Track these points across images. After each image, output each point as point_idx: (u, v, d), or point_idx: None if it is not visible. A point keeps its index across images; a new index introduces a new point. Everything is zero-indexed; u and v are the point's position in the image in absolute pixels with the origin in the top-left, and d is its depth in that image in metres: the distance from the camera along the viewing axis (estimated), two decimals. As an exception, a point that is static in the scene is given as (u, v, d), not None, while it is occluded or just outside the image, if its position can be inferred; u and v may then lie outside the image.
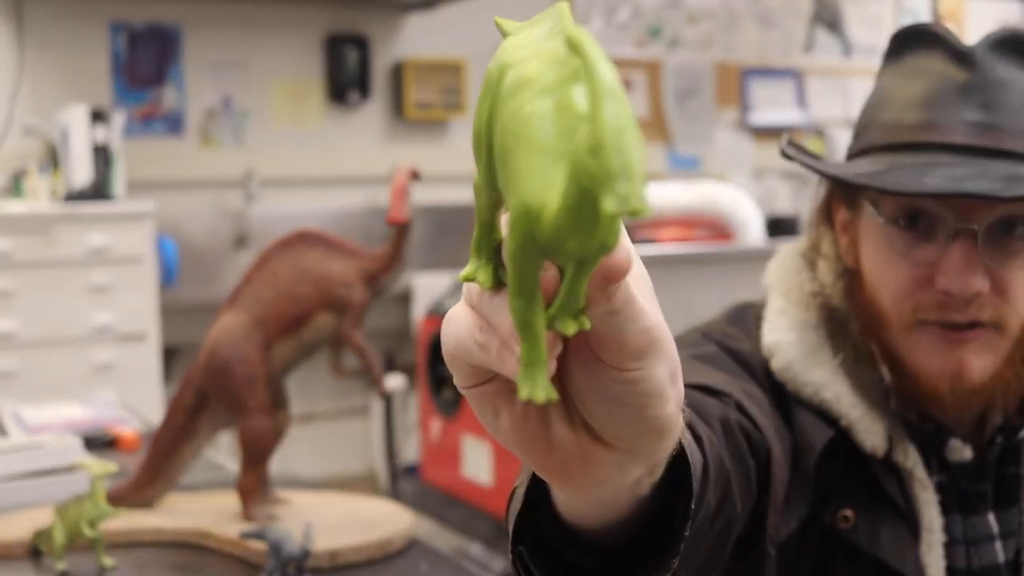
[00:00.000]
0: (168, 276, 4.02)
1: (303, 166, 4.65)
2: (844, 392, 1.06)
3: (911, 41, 1.08)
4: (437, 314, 3.48)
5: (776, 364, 1.07)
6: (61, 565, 1.17)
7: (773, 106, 5.67)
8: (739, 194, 3.70)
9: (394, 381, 3.77)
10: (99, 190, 3.82)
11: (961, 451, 1.08)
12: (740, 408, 0.96)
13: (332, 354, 1.35)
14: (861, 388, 1.06)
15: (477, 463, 3.22)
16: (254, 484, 1.28)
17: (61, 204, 3.77)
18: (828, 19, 5.88)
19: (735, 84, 5.61)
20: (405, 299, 4.21)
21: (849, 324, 1.09)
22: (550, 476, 0.55)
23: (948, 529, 1.06)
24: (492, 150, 0.46)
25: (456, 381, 0.53)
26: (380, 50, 4.78)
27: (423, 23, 4.83)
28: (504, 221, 0.47)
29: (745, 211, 3.67)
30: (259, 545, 1.17)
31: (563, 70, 0.42)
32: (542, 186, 0.41)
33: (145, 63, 4.39)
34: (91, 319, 3.69)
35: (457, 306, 0.52)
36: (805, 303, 1.11)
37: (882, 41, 5.14)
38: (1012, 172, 0.98)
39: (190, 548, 1.26)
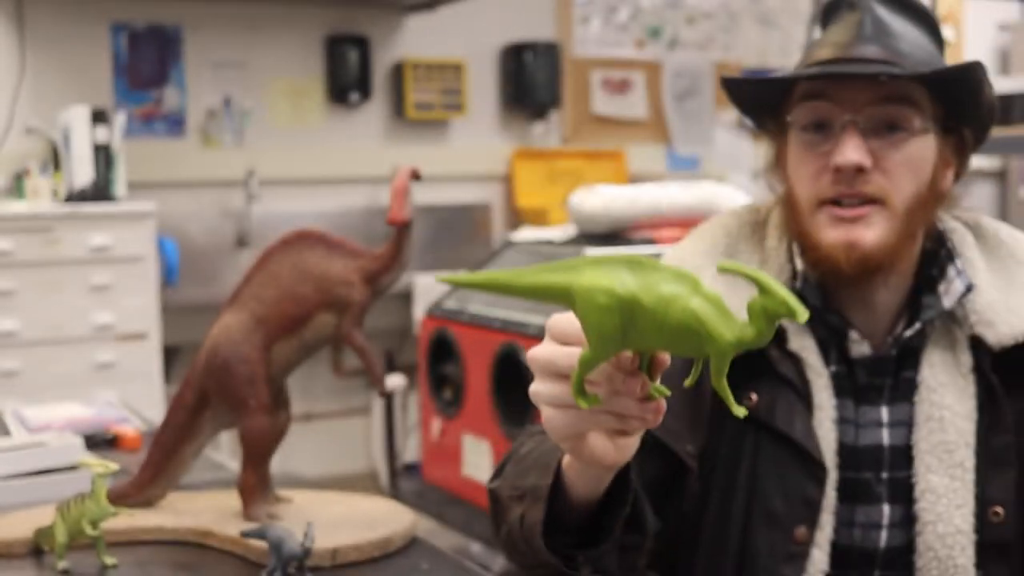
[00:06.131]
0: (169, 276, 4.02)
1: (304, 166, 4.65)
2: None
3: (831, 10, 1.30)
4: (437, 314, 3.48)
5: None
6: (62, 564, 1.17)
7: (773, 106, 5.65)
8: (738, 195, 3.70)
9: (395, 380, 3.76)
10: (100, 190, 3.82)
11: (860, 345, 1.24)
12: None
13: (333, 354, 1.35)
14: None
15: (477, 462, 3.22)
16: (255, 483, 1.28)
17: (62, 204, 3.77)
18: (828, 19, 5.88)
19: (735, 84, 5.60)
20: (406, 299, 4.21)
21: (766, 226, 1.29)
22: (576, 455, 0.90)
23: (840, 410, 1.23)
24: (629, 337, 0.76)
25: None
26: (380, 50, 4.79)
27: (423, 23, 4.83)
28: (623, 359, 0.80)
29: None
30: (260, 544, 1.18)
31: (686, 287, 0.75)
32: (740, 329, 0.74)
33: (146, 63, 4.39)
34: (92, 319, 3.69)
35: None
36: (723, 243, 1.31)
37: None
38: (887, 69, 1.18)
39: (191, 547, 1.26)
